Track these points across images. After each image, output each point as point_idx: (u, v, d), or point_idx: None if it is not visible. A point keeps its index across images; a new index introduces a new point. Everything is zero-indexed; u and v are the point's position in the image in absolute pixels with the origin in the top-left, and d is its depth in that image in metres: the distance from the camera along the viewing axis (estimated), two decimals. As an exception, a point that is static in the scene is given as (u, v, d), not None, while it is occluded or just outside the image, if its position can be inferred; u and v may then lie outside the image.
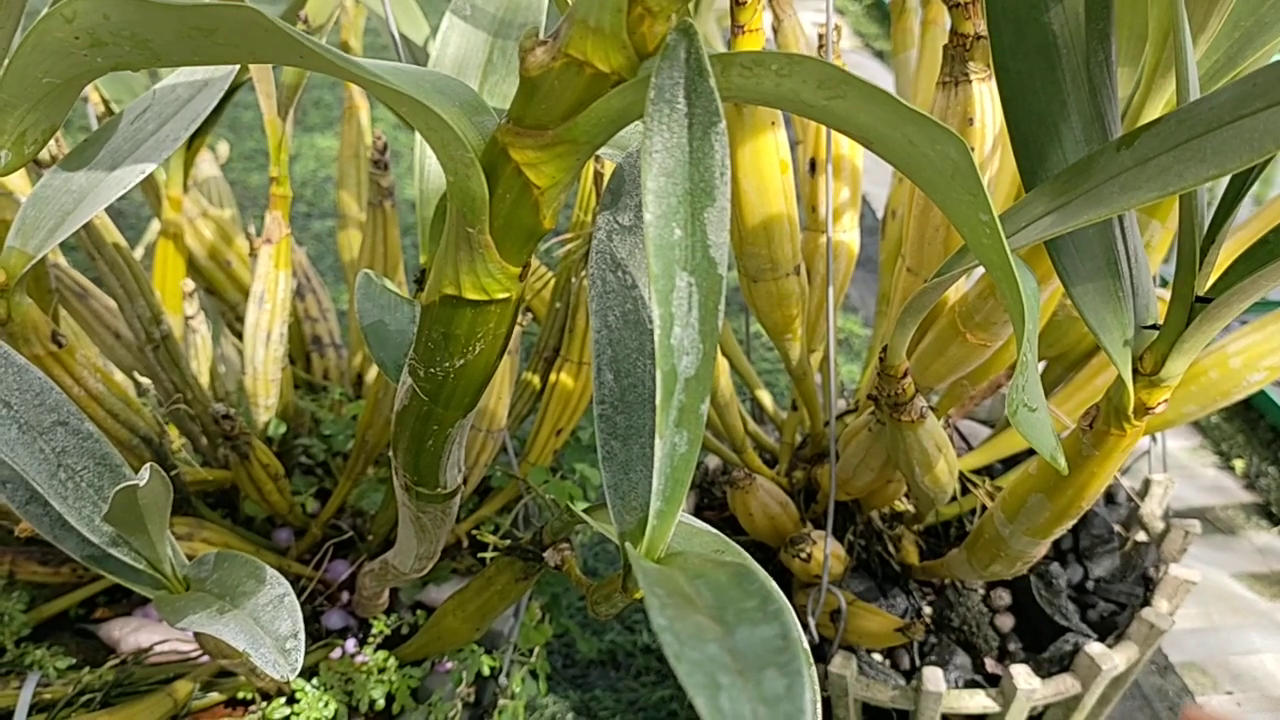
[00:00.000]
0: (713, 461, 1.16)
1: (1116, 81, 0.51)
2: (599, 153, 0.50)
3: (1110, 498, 1.10)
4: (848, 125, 0.36)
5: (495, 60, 0.68)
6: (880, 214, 1.08)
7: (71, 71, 0.41)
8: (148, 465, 0.49)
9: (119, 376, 0.96)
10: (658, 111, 0.33)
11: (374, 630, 0.89)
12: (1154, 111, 0.59)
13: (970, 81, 0.66)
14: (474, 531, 0.94)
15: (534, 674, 1.03)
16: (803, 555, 0.90)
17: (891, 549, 0.99)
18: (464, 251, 0.41)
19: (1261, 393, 1.64)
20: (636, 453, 0.44)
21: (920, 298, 0.55)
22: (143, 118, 0.60)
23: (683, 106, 0.33)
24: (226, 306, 1.13)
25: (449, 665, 0.90)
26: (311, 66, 0.38)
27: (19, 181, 0.78)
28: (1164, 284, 1.10)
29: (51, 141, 0.70)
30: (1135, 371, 0.57)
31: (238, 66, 0.63)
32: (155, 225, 1.16)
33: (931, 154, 0.35)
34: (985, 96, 0.67)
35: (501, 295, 0.42)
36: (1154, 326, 0.56)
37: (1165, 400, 0.58)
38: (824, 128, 0.83)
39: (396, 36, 0.77)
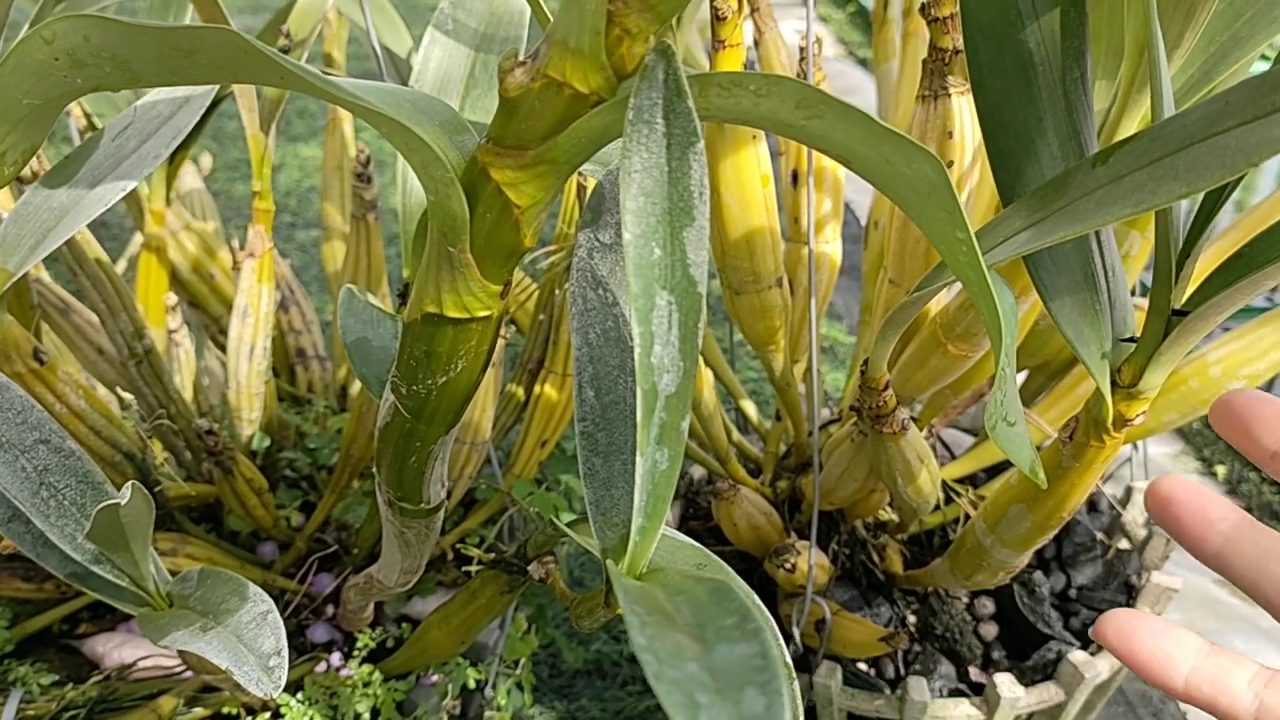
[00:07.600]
0: (697, 471, 1.16)
1: (1092, 98, 0.52)
2: (582, 168, 0.50)
3: (1092, 505, 1.10)
4: (825, 144, 0.36)
5: (478, 74, 0.69)
6: (864, 221, 1.09)
7: (51, 92, 0.41)
8: (130, 483, 0.49)
9: (101, 392, 0.96)
10: (636, 132, 0.33)
11: (359, 644, 0.89)
12: (1131, 125, 0.59)
13: (950, 95, 0.67)
14: (459, 545, 0.94)
15: (520, 685, 1.03)
16: (787, 565, 0.90)
17: (876, 558, 0.99)
18: (445, 270, 0.41)
19: (1242, 399, 1.65)
20: (618, 469, 0.44)
21: (900, 312, 0.55)
22: (124, 134, 0.60)
23: (661, 127, 0.34)
24: (210, 320, 1.13)
25: (434, 678, 0.89)
26: (292, 87, 0.38)
27: (0, 198, 0.78)
28: (1145, 291, 1.10)
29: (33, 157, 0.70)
30: (1114, 384, 0.58)
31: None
32: (138, 238, 1.16)
33: (908, 172, 0.35)
34: (964, 110, 0.67)
35: (483, 313, 0.42)
36: (1131, 339, 0.56)
37: (1144, 412, 0.59)
38: (806, 140, 0.84)
39: (378, 50, 0.77)
